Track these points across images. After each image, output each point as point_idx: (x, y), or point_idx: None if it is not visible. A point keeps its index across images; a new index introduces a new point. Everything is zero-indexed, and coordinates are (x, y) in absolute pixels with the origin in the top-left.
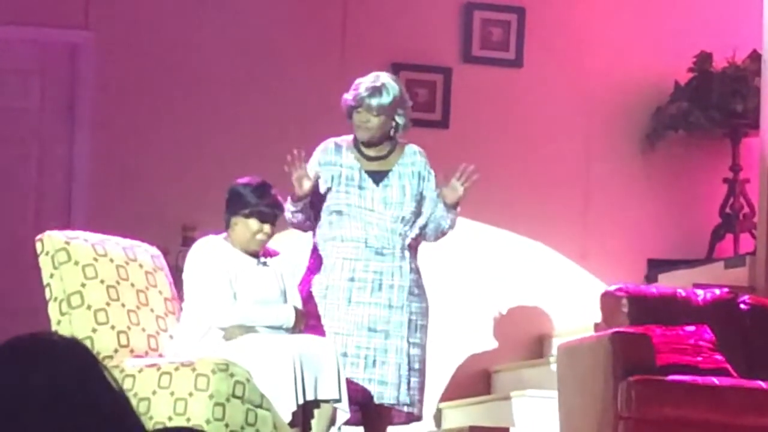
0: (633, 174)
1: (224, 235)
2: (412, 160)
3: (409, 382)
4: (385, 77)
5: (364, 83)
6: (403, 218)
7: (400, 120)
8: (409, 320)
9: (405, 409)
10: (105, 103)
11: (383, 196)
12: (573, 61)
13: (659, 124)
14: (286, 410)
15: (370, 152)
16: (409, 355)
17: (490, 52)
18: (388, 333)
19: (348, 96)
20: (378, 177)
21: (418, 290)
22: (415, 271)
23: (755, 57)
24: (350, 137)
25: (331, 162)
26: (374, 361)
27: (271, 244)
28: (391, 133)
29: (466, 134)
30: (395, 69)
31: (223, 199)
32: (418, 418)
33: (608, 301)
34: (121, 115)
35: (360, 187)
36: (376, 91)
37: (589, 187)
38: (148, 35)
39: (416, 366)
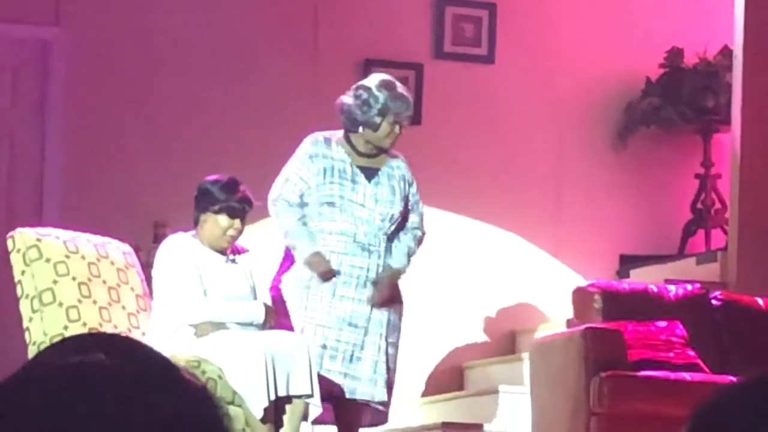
0: (605, 169)
1: (193, 232)
2: (397, 164)
3: (386, 381)
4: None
5: (398, 92)
6: (392, 217)
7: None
8: (389, 319)
9: (379, 408)
10: (76, 99)
11: (374, 193)
12: (544, 56)
13: (631, 119)
14: (258, 406)
15: (361, 148)
16: (387, 354)
17: (462, 48)
18: (367, 330)
19: (376, 104)
20: (369, 173)
21: (396, 291)
22: None
23: (726, 53)
24: (338, 132)
25: (322, 154)
26: (351, 356)
27: (244, 238)
28: None
29: (438, 130)
30: (367, 65)
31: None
32: (385, 420)
33: (580, 297)
34: (92, 112)
35: (353, 181)
36: (409, 104)
37: (561, 182)
38: (119, 32)
39: (392, 366)
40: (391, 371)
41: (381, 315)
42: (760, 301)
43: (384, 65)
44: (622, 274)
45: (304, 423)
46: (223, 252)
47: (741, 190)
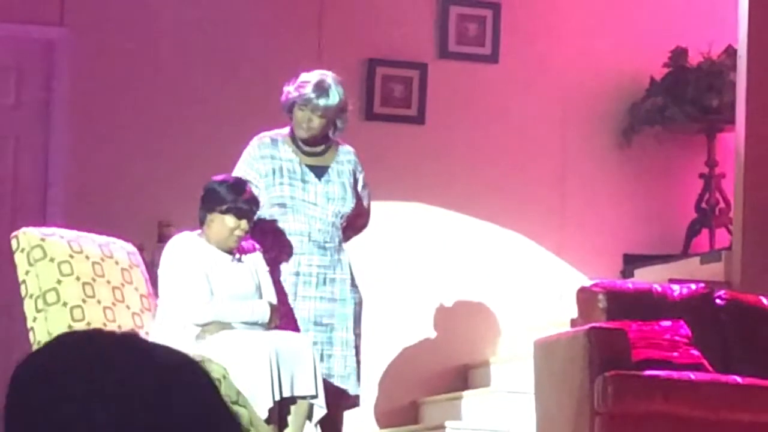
0: (609, 169)
1: (198, 232)
2: (347, 158)
3: (357, 374)
4: (331, 78)
5: (311, 81)
6: (345, 215)
7: (339, 124)
8: (353, 312)
9: (355, 400)
10: (81, 99)
11: (325, 191)
12: (548, 56)
13: (635, 119)
14: (262, 407)
15: (307, 147)
16: (355, 347)
17: (466, 47)
18: (333, 326)
19: (291, 90)
20: (318, 172)
21: (354, 282)
22: (350, 264)
23: (730, 52)
24: (284, 131)
25: (270, 155)
26: (322, 355)
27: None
28: (330, 134)
29: (442, 130)
30: (371, 65)
31: (199, 195)
32: (357, 405)
33: (585, 296)
34: (97, 112)
35: (303, 181)
36: (323, 92)
37: (565, 182)
38: (124, 31)
39: (359, 357)
40: (358, 363)
41: (345, 309)
42: (765, 301)
43: (388, 65)
44: (627, 273)
45: (308, 423)
46: (229, 251)
47: (745, 189)
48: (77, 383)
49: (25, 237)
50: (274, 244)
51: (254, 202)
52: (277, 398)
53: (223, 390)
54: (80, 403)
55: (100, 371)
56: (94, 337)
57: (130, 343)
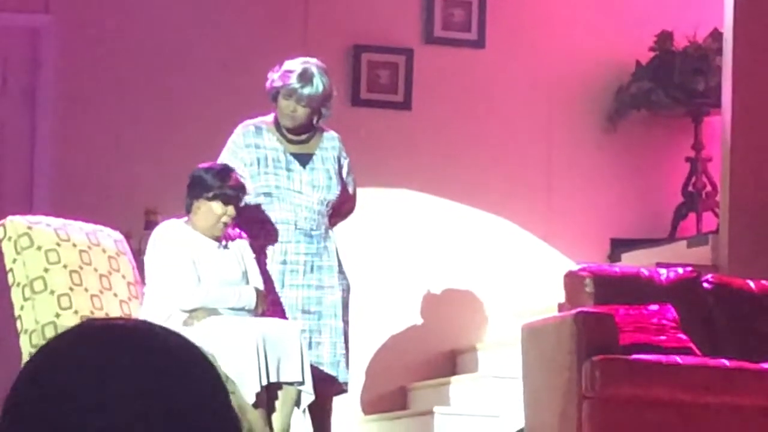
0: (595, 153)
1: (185, 219)
2: (331, 144)
3: (346, 361)
4: (315, 67)
5: (295, 71)
6: (330, 202)
7: (324, 111)
8: (341, 299)
9: (344, 387)
10: (67, 87)
11: (310, 179)
12: (535, 41)
13: (621, 103)
14: (249, 391)
15: (292, 135)
16: (344, 334)
17: (452, 32)
18: (321, 314)
19: (275, 78)
20: (303, 160)
21: (342, 268)
22: (337, 250)
23: (716, 36)
24: (269, 118)
25: (254, 144)
26: (310, 342)
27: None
28: (315, 121)
29: (428, 115)
30: (357, 51)
31: (186, 182)
32: (346, 391)
33: (572, 281)
34: (82, 99)
35: (288, 169)
36: (307, 81)
37: (552, 167)
38: (109, 19)
39: (348, 344)
40: (348, 350)
41: (333, 296)
42: (752, 284)
43: (374, 50)
44: (614, 257)
45: (296, 409)
46: (215, 238)
47: (732, 173)
48: (85, 384)
49: (12, 225)
50: (260, 233)
51: (241, 188)
52: (264, 383)
53: None
54: (84, 406)
55: (112, 370)
56: (103, 332)
57: (141, 336)
